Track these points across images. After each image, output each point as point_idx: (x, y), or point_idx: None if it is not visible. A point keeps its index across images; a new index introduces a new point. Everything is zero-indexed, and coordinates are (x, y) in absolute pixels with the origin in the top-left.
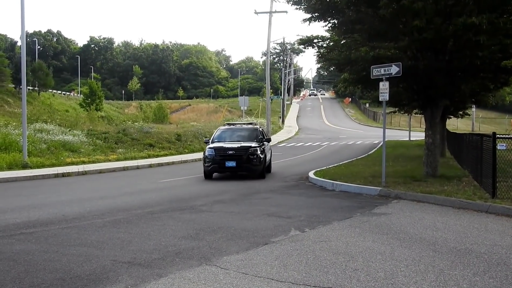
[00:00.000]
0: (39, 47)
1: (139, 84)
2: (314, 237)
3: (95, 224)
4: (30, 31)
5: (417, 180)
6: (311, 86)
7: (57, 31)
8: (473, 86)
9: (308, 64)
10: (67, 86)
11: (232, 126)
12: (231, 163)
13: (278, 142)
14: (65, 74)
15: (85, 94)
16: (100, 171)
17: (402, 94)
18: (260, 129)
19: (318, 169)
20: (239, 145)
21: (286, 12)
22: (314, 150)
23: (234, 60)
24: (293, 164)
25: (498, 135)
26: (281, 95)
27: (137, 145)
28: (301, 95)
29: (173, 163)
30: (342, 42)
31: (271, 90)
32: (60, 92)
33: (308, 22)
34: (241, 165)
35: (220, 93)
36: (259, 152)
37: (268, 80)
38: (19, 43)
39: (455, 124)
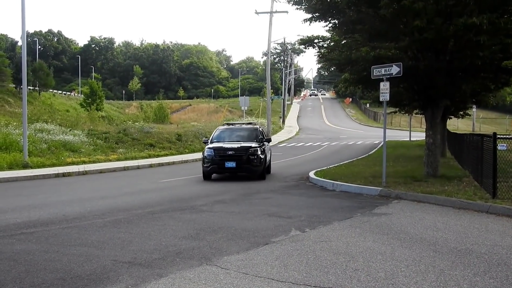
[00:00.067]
0: (39, 47)
1: (140, 84)
2: (315, 237)
3: (95, 224)
4: (31, 31)
5: (417, 180)
6: (312, 86)
7: (58, 31)
8: (473, 86)
9: (308, 64)
10: (67, 86)
11: (231, 126)
12: (230, 164)
13: (278, 142)
14: (65, 74)
15: (85, 94)
16: (101, 171)
17: (402, 94)
18: (260, 129)
19: (319, 169)
20: (239, 145)
21: (286, 12)
22: (314, 150)
23: (235, 60)
24: (294, 164)
25: (498, 136)
26: (281, 95)
27: (137, 145)
28: (302, 95)
29: (173, 163)
30: (343, 42)
31: (272, 90)
32: (60, 92)
33: (308, 22)
34: (241, 166)
35: (220, 93)
36: (259, 152)
37: (269, 80)
38: (19, 43)
39: (455, 124)
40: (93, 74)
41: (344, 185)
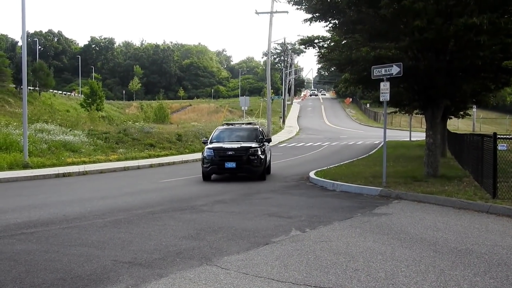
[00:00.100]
0: (40, 47)
1: (140, 84)
2: (315, 237)
3: (96, 224)
4: (31, 31)
5: (417, 180)
6: (312, 86)
7: (58, 31)
8: (474, 86)
9: (309, 64)
10: (68, 86)
11: (231, 126)
12: (230, 164)
13: (279, 142)
14: (66, 74)
15: (86, 94)
16: (101, 171)
17: (403, 94)
18: (260, 129)
19: (319, 169)
20: (239, 146)
21: (287, 12)
22: (314, 150)
23: (235, 60)
24: (294, 164)
25: (499, 136)
26: (282, 95)
27: (138, 145)
28: (302, 95)
29: (173, 163)
30: (343, 42)
31: (272, 90)
32: (61, 92)
33: (309, 22)
34: (241, 166)
35: (221, 93)
36: (259, 152)
37: (269, 80)
38: (20, 43)
39: (456, 125)
40: (93, 74)
41: (344, 185)
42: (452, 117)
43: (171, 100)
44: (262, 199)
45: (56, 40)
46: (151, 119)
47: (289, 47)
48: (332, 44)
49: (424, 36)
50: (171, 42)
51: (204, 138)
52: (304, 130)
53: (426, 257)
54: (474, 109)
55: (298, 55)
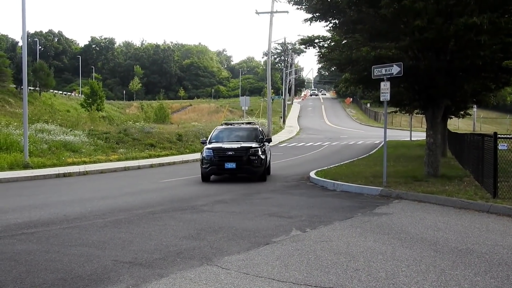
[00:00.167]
0: (40, 47)
1: (140, 84)
2: (315, 237)
3: (96, 224)
4: (31, 31)
5: (418, 180)
6: (312, 86)
7: (58, 31)
8: (474, 86)
9: (309, 64)
10: (68, 86)
11: (230, 126)
12: (230, 165)
13: (279, 142)
14: (66, 74)
15: (86, 94)
16: (101, 171)
17: (403, 94)
18: (260, 128)
19: (319, 169)
20: (239, 146)
21: (287, 12)
22: (315, 150)
23: (235, 60)
24: (294, 164)
25: (499, 135)
26: (282, 95)
27: (138, 145)
28: (302, 95)
29: (174, 163)
30: (343, 42)
31: (272, 90)
32: (61, 92)
33: (309, 22)
34: (241, 167)
35: (221, 93)
36: (260, 153)
37: (269, 80)
38: (20, 43)
39: (456, 124)
40: (94, 74)
41: (344, 185)
42: (453, 116)
43: (172, 100)
44: (263, 199)
45: (56, 40)
46: (151, 119)
47: (290, 47)
48: (332, 44)
49: (425, 35)
50: (172, 42)
51: (203, 138)
52: (305, 130)
53: (426, 256)
54: (475, 109)
55: (299, 55)
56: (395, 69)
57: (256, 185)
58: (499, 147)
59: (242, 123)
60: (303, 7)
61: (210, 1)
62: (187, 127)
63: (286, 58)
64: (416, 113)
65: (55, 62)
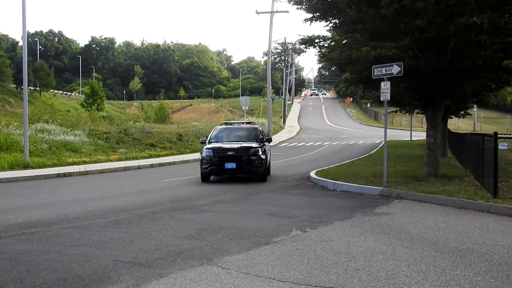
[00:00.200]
0: (40, 47)
1: (141, 84)
2: (316, 237)
3: (96, 224)
4: (32, 31)
5: (418, 180)
6: (313, 86)
7: (59, 31)
8: (474, 86)
9: (309, 64)
10: (68, 86)
11: (230, 126)
12: (230, 165)
13: (279, 142)
14: (66, 74)
15: (86, 94)
16: (102, 171)
17: (403, 94)
18: (260, 128)
19: (320, 169)
20: (239, 146)
21: (287, 12)
22: (315, 150)
23: (236, 60)
24: (295, 164)
25: (499, 135)
26: (282, 95)
27: (138, 145)
28: (303, 95)
29: (174, 163)
30: (344, 42)
31: (273, 90)
32: (61, 92)
33: (309, 22)
34: (241, 167)
35: (221, 93)
36: (260, 153)
37: (270, 80)
38: (20, 43)
39: (456, 124)
40: (94, 74)
41: (345, 185)
42: (453, 116)
43: (172, 100)
44: (263, 199)
45: (56, 40)
46: (151, 119)
47: (290, 47)
48: (332, 43)
49: (425, 35)
50: (172, 42)
51: (203, 138)
52: (305, 129)
53: (427, 256)
54: (475, 109)
55: (299, 55)
56: (395, 69)
57: (256, 185)
58: (500, 147)
59: (242, 123)
60: (303, 7)
61: (210, 1)
62: (187, 127)
63: (286, 58)
64: (416, 113)
65: (55, 62)
